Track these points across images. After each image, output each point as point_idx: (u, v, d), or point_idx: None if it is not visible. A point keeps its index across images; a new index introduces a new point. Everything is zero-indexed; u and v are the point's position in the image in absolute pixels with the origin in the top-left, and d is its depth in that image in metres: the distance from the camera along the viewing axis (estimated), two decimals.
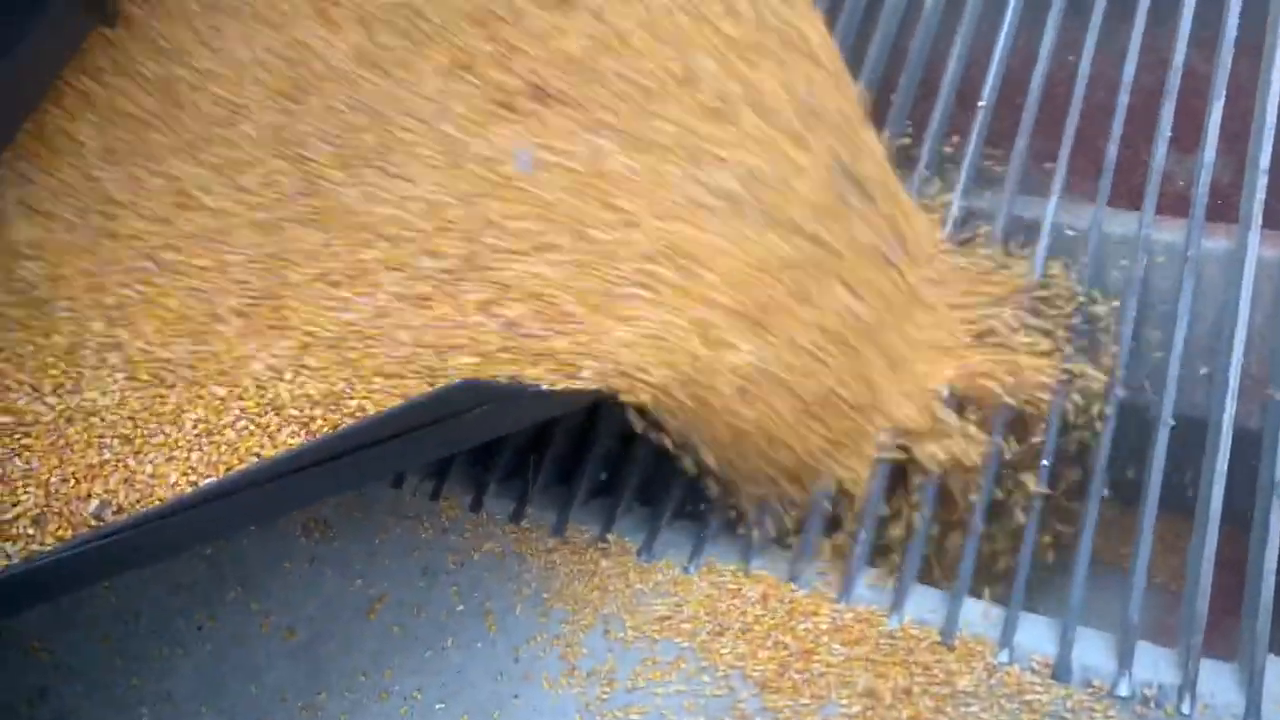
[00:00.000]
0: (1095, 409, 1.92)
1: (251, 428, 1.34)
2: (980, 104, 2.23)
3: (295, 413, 1.35)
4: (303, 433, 1.32)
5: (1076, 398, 1.91)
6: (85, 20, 1.49)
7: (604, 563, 1.96)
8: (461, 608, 1.92)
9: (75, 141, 1.50)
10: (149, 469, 1.36)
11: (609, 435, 2.11)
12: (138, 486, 1.35)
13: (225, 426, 1.34)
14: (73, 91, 1.51)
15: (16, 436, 1.32)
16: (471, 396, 1.37)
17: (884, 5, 2.38)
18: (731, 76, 1.68)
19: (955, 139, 2.24)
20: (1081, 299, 2.00)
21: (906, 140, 2.21)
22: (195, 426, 1.35)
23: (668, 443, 1.70)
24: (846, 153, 1.85)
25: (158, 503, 1.34)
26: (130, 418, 1.38)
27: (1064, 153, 2.15)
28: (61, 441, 1.34)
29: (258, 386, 1.37)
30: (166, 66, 1.52)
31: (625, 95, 1.60)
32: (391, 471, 1.68)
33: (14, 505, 1.31)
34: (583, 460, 2.11)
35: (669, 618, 1.82)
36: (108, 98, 1.53)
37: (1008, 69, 2.28)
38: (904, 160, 2.16)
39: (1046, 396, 1.90)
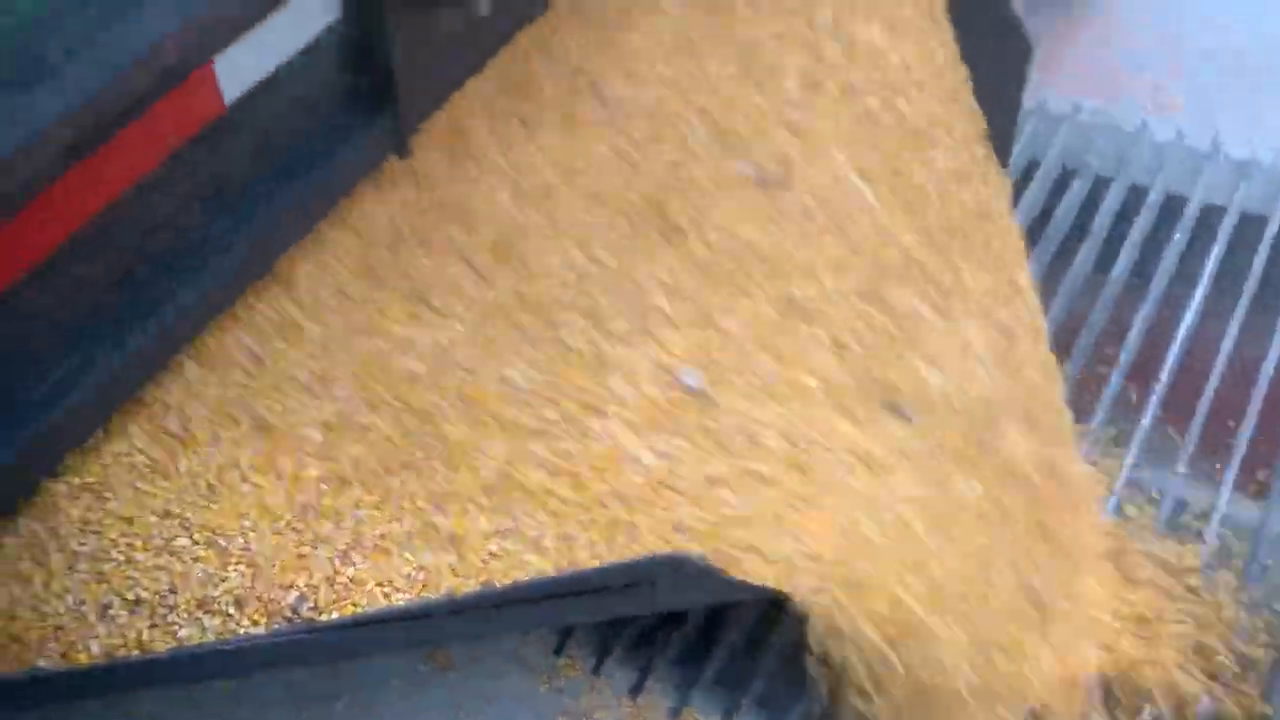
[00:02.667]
0: None
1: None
2: (1159, 382, 2.29)
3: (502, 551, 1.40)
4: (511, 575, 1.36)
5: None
6: (380, 152, 1.62)
7: None
8: None
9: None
10: (350, 572, 1.40)
11: (741, 624, 2.10)
12: (336, 588, 1.39)
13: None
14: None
15: (250, 514, 1.37)
16: (671, 570, 1.40)
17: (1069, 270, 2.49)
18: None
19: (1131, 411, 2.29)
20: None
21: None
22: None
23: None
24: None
25: (352, 608, 1.38)
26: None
27: (1241, 441, 2.17)
28: (281, 525, 1.39)
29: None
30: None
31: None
32: (556, 625, 1.70)
33: (223, 581, 1.36)
34: (712, 644, 2.09)
35: None
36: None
37: (1188, 351, 2.35)
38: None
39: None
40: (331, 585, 1.38)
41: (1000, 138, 2.09)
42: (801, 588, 1.43)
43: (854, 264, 1.83)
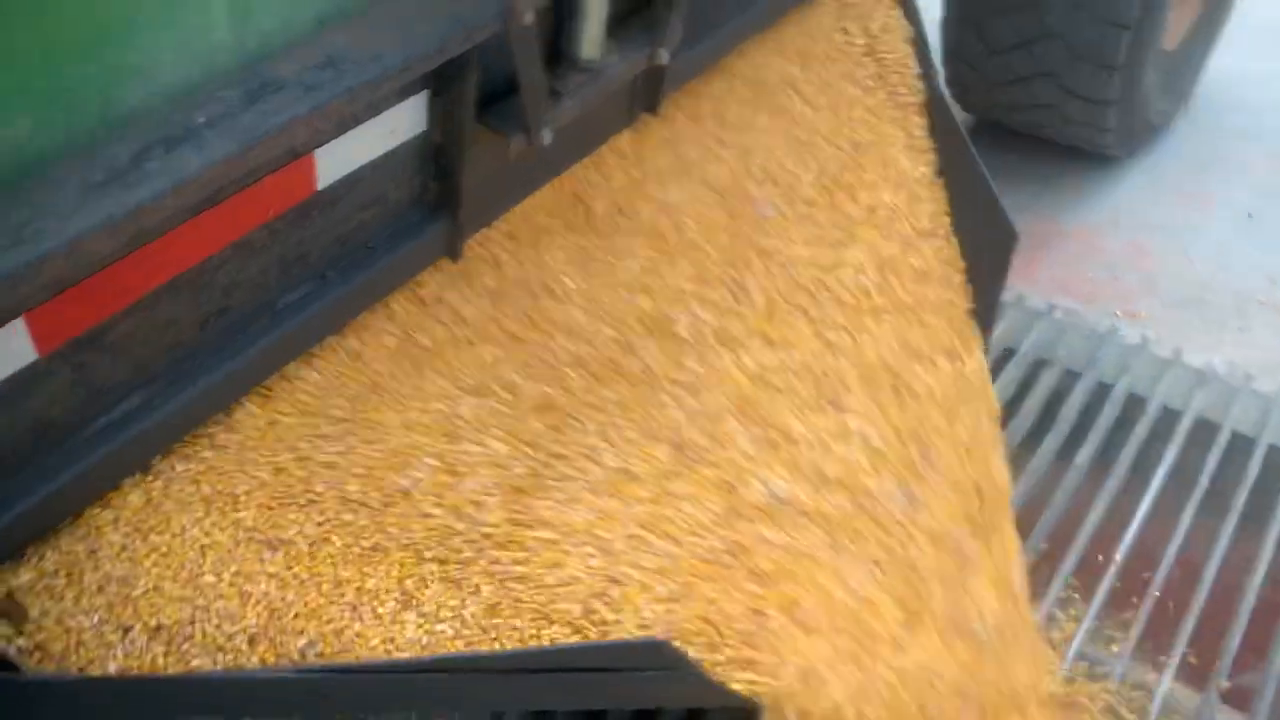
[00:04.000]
0: None
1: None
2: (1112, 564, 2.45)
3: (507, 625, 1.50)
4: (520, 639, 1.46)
5: None
6: (436, 251, 1.79)
7: None
8: None
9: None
10: (356, 627, 1.49)
11: None
12: (342, 639, 1.48)
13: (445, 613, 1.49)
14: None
15: (276, 562, 1.47)
16: (655, 660, 1.49)
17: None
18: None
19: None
20: None
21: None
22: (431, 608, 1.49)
23: None
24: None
25: (353, 659, 1.46)
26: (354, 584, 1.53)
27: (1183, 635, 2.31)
28: (302, 575, 1.49)
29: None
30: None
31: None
32: (531, 704, 1.76)
33: (240, 619, 1.45)
34: None
35: None
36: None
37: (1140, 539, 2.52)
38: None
39: None
40: (339, 637, 1.47)
41: (982, 320, 2.30)
42: None
43: None
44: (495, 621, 1.51)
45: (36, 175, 1.11)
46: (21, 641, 1.35)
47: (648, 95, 2.11)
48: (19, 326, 1.20)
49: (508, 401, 1.75)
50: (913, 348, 2.16)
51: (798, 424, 1.89)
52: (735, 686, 1.54)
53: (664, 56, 1.90)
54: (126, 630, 1.39)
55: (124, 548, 1.43)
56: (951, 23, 3.95)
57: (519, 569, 1.56)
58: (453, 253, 1.81)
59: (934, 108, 2.52)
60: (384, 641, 1.49)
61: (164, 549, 1.44)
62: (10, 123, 1.09)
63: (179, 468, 1.49)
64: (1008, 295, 3.23)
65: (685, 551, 1.65)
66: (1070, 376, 3.04)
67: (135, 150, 1.16)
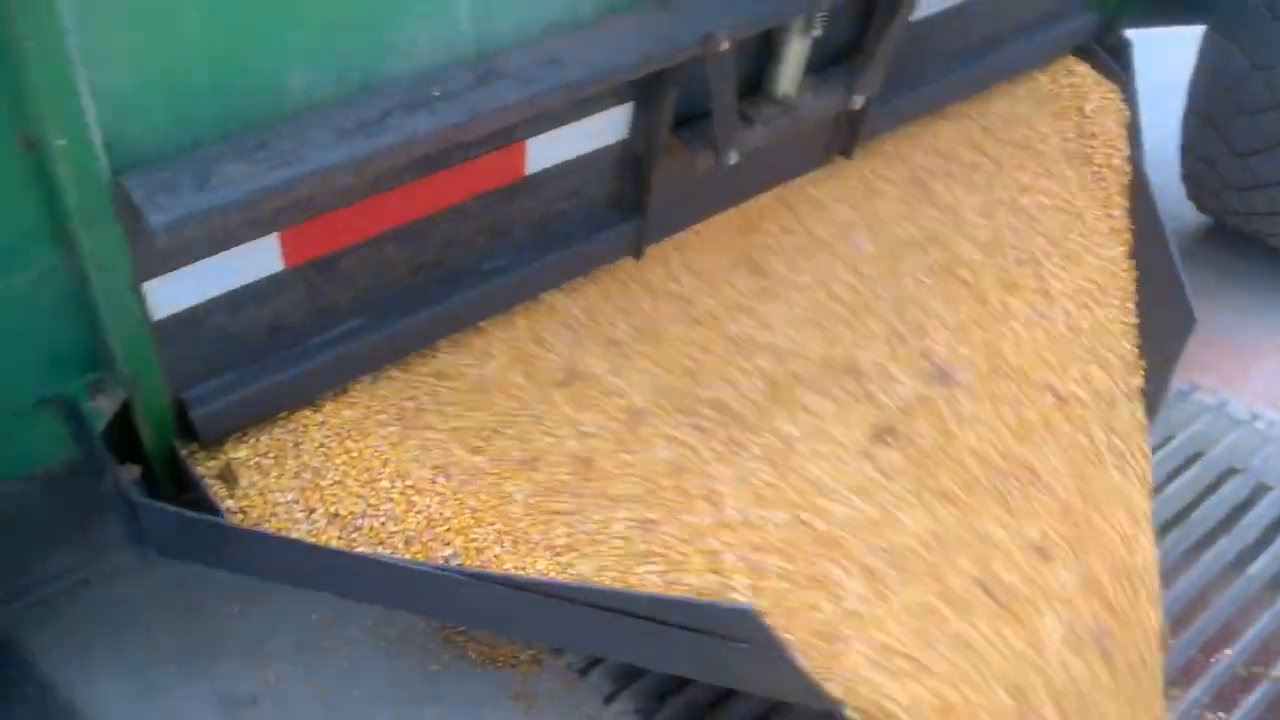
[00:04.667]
0: None
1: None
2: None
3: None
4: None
5: None
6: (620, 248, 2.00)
7: None
8: None
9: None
10: (495, 550, 1.70)
11: None
12: (481, 558, 1.69)
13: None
14: None
15: (443, 485, 1.71)
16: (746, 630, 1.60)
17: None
18: None
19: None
20: None
21: None
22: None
23: None
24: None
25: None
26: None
27: None
28: (461, 499, 1.72)
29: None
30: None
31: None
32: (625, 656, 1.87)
33: (402, 522, 1.69)
34: None
35: None
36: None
37: None
38: None
39: None
40: (479, 555, 1.68)
41: (1151, 400, 2.28)
42: None
43: None
44: (619, 575, 1.68)
45: (306, 118, 1.41)
46: (230, 503, 1.64)
47: (844, 139, 2.26)
48: (273, 240, 1.50)
49: (670, 392, 1.93)
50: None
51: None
52: (831, 688, 1.63)
53: (858, 102, 2.06)
54: (311, 511, 1.65)
55: (322, 445, 1.71)
56: (1193, 117, 3.86)
57: (657, 526, 1.73)
58: (636, 253, 2.02)
59: (1137, 191, 2.54)
60: (516, 569, 1.68)
61: (354, 453, 1.71)
62: (292, 74, 1.39)
63: (379, 389, 1.76)
64: (1210, 399, 3.14)
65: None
66: (1261, 489, 2.90)
67: (382, 110, 1.44)
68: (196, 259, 1.44)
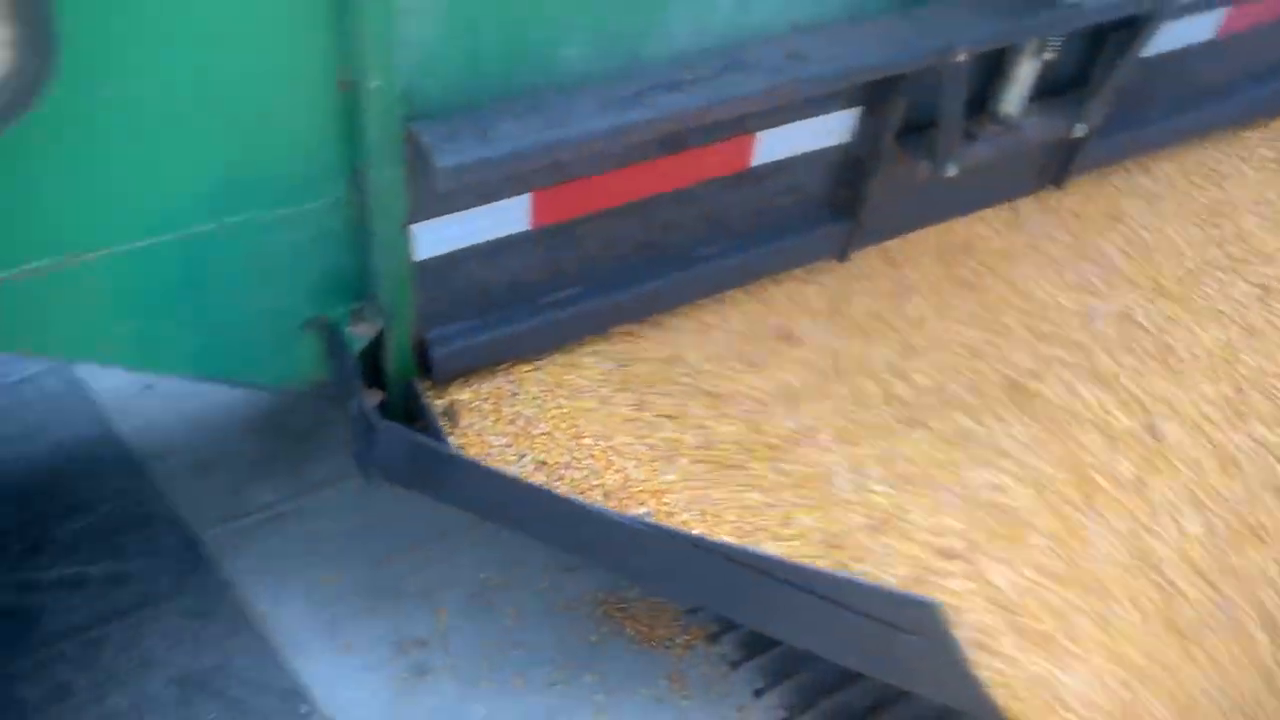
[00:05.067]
0: None
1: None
2: None
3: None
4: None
5: None
6: (826, 248, 2.07)
7: None
8: None
9: None
10: (684, 516, 1.78)
11: None
12: (671, 521, 1.77)
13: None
14: None
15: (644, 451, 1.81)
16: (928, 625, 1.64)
17: None
18: None
19: None
20: None
21: None
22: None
23: None
24: None
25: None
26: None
27: None
28: (658, 465, 1.81)
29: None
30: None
31: None
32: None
33: (600, 477, 1.79)
34: None
35: None
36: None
37: None
38: None
39: None
40: (669, 519, 1.77)
41: None
42: None
43: None
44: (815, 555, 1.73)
45: (572, 89, 1.54)
46: (451, 440, 1.78)
47: (1057, 169, 2.28)
48: (526, 200, 1.64)
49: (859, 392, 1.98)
50: None
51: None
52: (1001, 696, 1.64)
53: (1080, 130, 2.08)
54: (521, 456, 1.77)
55: (537, 398, 1.83)
56: None
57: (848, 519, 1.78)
58: (842, 255, 2.09)
59: None
60: (705, 533, 1.76)
61: (565, 409, 1.83)
62: (566, 48, 1.53)
63: (593, 354, 1.88)
64: None
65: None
66: None
67: (639, 89, 1.56)
68: (459, 209, 1.58)
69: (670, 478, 1.79)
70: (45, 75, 1.17)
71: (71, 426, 3.04)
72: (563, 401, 1.83)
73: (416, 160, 1.43)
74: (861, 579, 1.67)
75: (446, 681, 2.37)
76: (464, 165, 1.39)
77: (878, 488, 1.80)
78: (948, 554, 1.74)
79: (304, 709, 2.30)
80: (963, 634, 1.68)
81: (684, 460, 1.81)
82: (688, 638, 2.49)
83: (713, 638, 2.49)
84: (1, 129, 1.19)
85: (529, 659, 2.45)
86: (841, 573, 1.67)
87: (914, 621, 1.63)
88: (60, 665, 2.36)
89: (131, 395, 3.16)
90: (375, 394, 1.66)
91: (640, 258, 1.85)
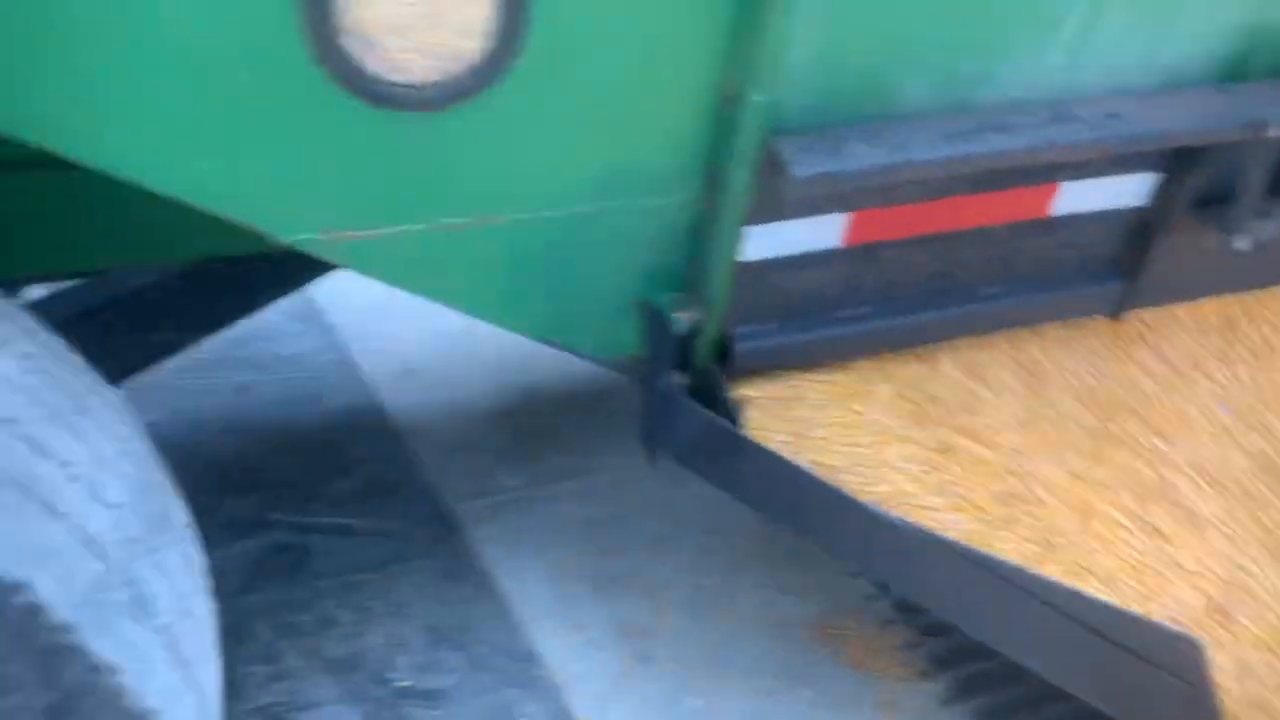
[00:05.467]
0: None
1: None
2: None
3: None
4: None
5: None
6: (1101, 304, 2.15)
7: None
8: None
9: None
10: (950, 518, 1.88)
11: None
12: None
13: None
14: None
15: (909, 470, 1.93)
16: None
17: None
18: None
19: None
20: None
21: None
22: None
23: None
24: None
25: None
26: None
27: None
28: (926, 482, 1.92)
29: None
30: None
31: None
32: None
33: (874, 486, 1.91)
34: None
35: None
36: None
37: None
38: None
39: None
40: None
41: None
42: None
43: None
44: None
45: (911, 121, 1.70)
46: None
47: None
48: (843, 219, 1.80)
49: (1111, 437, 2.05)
50: None
51: None
52: None
53: None
54: (797, 454, 1.92)
55: (818, 404, 1.98)
56: None
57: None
58: (1115, 313, 2.17)
59: None
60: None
61: (844, 418, 1.97)
62: (911, 83, 1.70)
63: (874, 370, 2.02)
64: None
65: None
66: None
67: (972, 127, 1.71)
68: (788, 218, 1.76)
69: (938, 499, 1.90)
70: (511, 60, 1.41)
71: (342, 397, 3.37)
72: (842, 411, 1.96)
73: (768, 169, 1.62)
74: (1130, 610, 1.73)
75: (668, 670, 2.51)
76: (816, 177, 1.57)
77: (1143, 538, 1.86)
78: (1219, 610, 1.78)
79: (537, 673, 2.48)
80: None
81: (950, 481, 1.92)
82: (902, 671, 2.57)
83: (927, 674, 2.56)
84: (456, 105, 1.44)
85: (746, 665, 2.57)
86: (1107, 600, 1.73)
87: (1173, 659, 1.68)
88: (327, 600, 2.62)
89: (394, 376, 3.48)
90: (683, 376, 1.84)
91: (931, 287, 1.98)
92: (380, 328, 3.56)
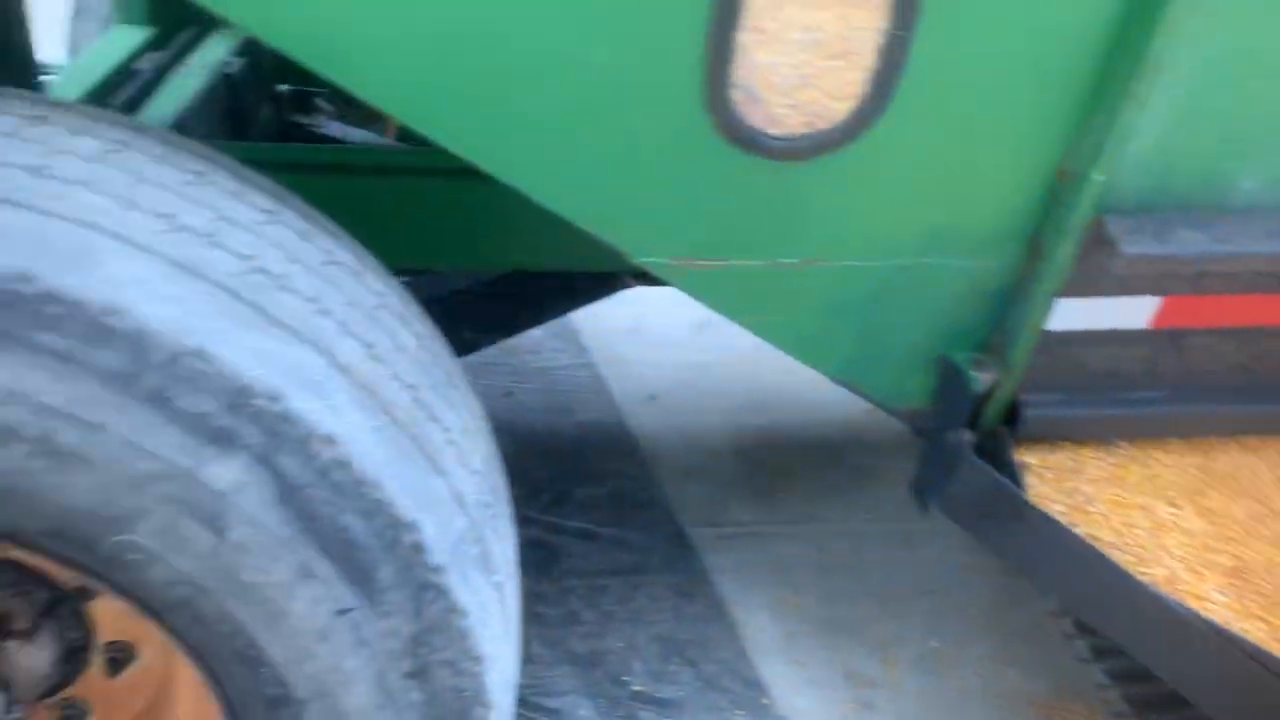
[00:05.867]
0: None
1: None
2: None
3: None
4: None
5: None
6: None
7: None
8: None
9: None
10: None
11: None
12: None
13: None
14: None
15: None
16: None
17: None
18: None
19: None
20: None
21: None
22: None
23: None
24: None
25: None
26: None
27: None
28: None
29: None
30: None
31: None
32: None
33: (1150, 566, 1.92)
34: None
35: None
36: None
37: None
38: None
39: None
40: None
41: None
42: None
43: None
44: None
45: (1241, 213, 1.73)
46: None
47: None
48: (1155, 302, 1.84)
49: None
50: None
51: None
52: None
53: None
54: (1074, 525, 1.94)
55: (1098, 480, 1.99)
56: None
57: None
58: None
59: None
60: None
61: (1123, 498, 1.98)
62: (1244, 182, 1.73)
63: (1164, 456, 2.02)
64: None
65: None
66: None
67: None
68: (1102, 295, 1.81)
69: (1220, 598, 1.88)
70: (872, 122, 1.54)
71: (592, 413, 3.58)
72: (1122, 490, 1.98)
73: (1094, 244, 1.68)
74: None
75: None
76: (1143, 256, 1.63)
77: None
78: None
79: (765, 702, 2.57)
80: None
81: (1232, 577, 1.90)
82: None
83: None
84: (816, 158, 1.58)
85: None
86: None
87: None
88: (572, 597, 2.80)
89: (640, 400, 3.67)
90: (970, 434, 1.91)
91: (1229, 379, 1.98)
92: (630, 352, 3.78)
